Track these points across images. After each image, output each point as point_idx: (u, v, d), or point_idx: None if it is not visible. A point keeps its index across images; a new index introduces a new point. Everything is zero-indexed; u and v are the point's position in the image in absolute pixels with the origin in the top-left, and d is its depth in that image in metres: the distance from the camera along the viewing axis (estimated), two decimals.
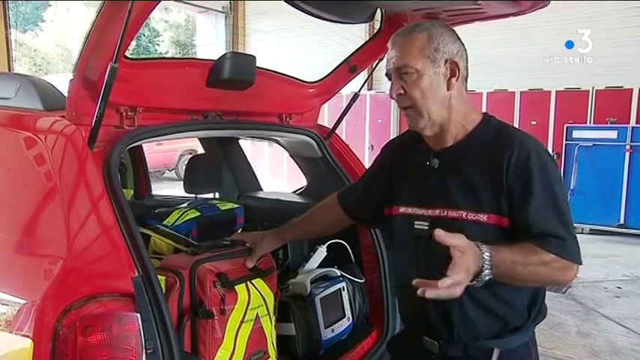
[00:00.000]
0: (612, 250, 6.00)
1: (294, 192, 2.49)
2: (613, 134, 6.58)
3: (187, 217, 1.97)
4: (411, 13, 1.73)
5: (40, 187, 1.31)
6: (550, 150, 7.21)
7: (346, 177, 2.06)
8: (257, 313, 1.53)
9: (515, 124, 7.24)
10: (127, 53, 1.40)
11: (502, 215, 1.18)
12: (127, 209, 1.27)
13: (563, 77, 7.44)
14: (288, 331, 1.72)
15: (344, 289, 1.91)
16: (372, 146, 8.72)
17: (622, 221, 6.57)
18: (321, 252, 1.96)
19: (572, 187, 6.70)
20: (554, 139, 7.28)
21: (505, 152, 1.18)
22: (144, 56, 20.08)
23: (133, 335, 1.12)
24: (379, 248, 1.95)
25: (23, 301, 1.15)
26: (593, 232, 6.65)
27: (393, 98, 1.26)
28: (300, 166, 2.35)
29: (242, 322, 1.48)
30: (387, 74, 1.28)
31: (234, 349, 1.45)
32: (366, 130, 9.01)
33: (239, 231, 2.14)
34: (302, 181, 2.44)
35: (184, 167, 2.24)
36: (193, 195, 2.23)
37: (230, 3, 10.56)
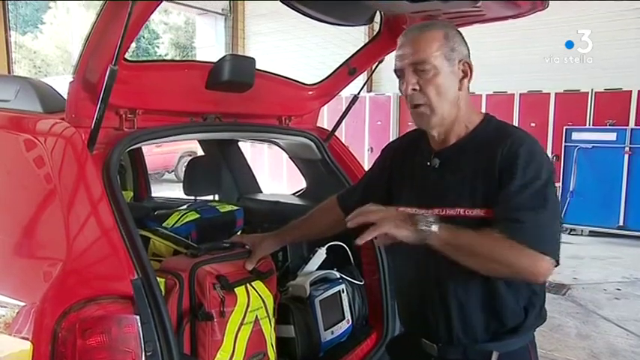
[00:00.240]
0: (611, 252, 6.00)
1: (294, 194, 2.49)
2: (612, 136, 6.58)
3: (187, 219, 1.97)
4: (411, 16, 1.74)
5: (39, 190, 1.31)
6: (549, 152, 7.22)
7: (346, 179, 2.06)
8: (256, 316, 1.52)
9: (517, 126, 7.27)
10: (127, 55, 1.40)
11: None
12: (126, 211, 1.27)
13: (562, 79, 7.45)
14: (287, 333, 1.72)
15: (343, 292, 1.91)
16: (371, 148, 8.72)
17: (621, 223, 6.57)
18: (321, 254, 1.95)
19: (571, 189, 6.70)
20: (554, 141, 7.29)
21: (500, 145, 1.19)
22: (143, 58, 20.10)
23: (133, 337, 1.12)
24: (379, 250, 1.95)
25: (22, 304, 1.14)
26: (592, 233, 6.65)
27: (406, 94, 1.24)
28: (299, 168, 2.35)
29: (241, 324, 1.48)
30: (396, 71, 1.26)
31: (233, 351, 1.45)
32: (365, 132, 9.02)
33: (238, 233, 2.14)
34: (301, 183, 2.45)
35: (184, 169, 2.24)
36: (193, 197, 2.22)
37: (229, 5, 10.57)
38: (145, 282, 1.19)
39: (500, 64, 7.88)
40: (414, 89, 1.22)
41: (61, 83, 1.48)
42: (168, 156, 11.11)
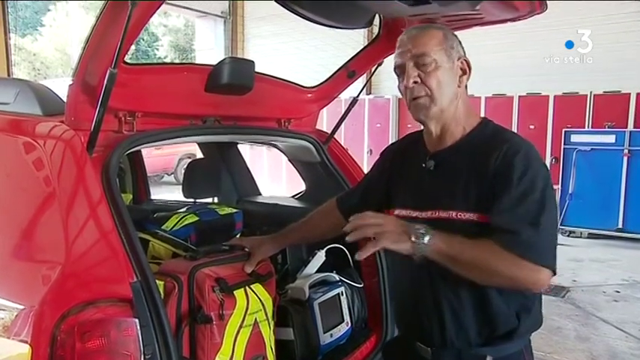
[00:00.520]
0: (611, 254, 6.00)
1: (293, 196, 2.49)
2: (611, 138, 6.59)
3: (186, 222, 1.97)
4: (409, 19, 1.74)
5: (38, 192, 1.31)
6: (548, 154, 7.24)
7: (345, 181, 2.07)
8: (256, 318, 1.52)
9: (514, 129, 7.29)
10: (126, 58, 1.40)
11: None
12: (125, 214, 1.27)
13: (561, 81, 7.47)
14: (286, 335, 1.72)
15: (343, 294, 1.91)
16: (370, 150, 8.73)
17: (620, 225, 6.58)
18: (320, 256, 1.95)
19: (570, 192, 6.71)
20: (553, 143, 7.30)
21: (495, 151, 1.19)
22: (143, 61, 20.12)
23: (132, 341, 1.12)
24: (378, 252, 1.95)
25: (21, 307, 1.14)
26: (591, 236, 6.65)
27: (406, 88, 1.24)
28: (298, 171, 2.35)
29: (240, 327, 1.48)
30: (395, 69, 1.28)
31: (232, 354, 1.45)
32: (364, 135, 9.02)
33: (238, 236, 2.14)
34: (301, 186, 2.45)
35: (183, 172, 2.24)
36: (192, 199, 2.22)
37: (229, 8, 10.59)
38: (144, 285, 1.19)
39: (499, 67, 7.90)
40: (415, 82, 1.23)
41: (61, 86, 1.48)
42: (167, 158, 11.11)
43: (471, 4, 1.51)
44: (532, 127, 7.48)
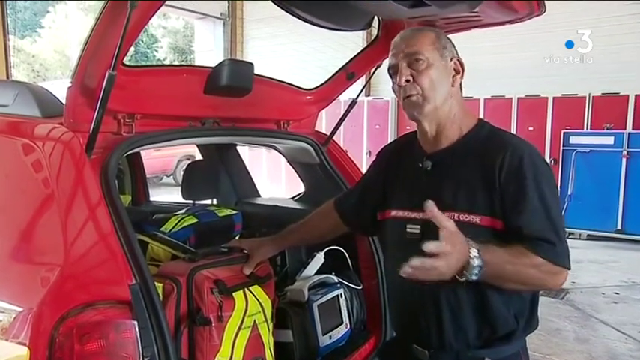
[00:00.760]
0: (609, 256, 6.01)
1: (292, 198, 2.49)
2: (610, 140, 6.60)
3: (185, 224, 1.97)
4: (408, 21, 1.74)
5: (37, 194, 1.31)
6: (547, 156, 7.24)
7: (344, 183, 2.07)
8: (254, 320, 1.52)
9: (513, 130, 7.29)
10: (126, 59, 1.40)
11: (495, 218, 1.18)
12: (124, 216, 1.27)
13: (560, 83, 7.48)
14: (285, 337, 1.72)
15: (342, 296, 1.91)
16: (369, 152, 8.73)
17: (619, 227, 6.58)
18: (319, 258, 1.95)
19: (569, 193, 6.72)
20: (552, 145, 7.30)
21: (498, 155, 1.19)
22: (142, 62, 20.13)
23: (130, 342, 1.12)
24: (377, 254, 1.95)
25: (20, 309, 1.14)
26: (590, 237, 6.66)
27: (399, 86, 1.25)
28: (297, 173, 2.35)
29: (239, 328, 1.48)
30: (389, 69, 1.29)
31: (231, 356, 1.45)
32: (364, 136, 9.03)
33: (237, 237, 2.14)
34: (300, 188, 2.45)
35: (182, 173, 2.24)
36: (191, 201, 2.22)
37: (228, 10, 10.60)
38: (142, 287, 1.19)
39: (498, 69, 7.91)
40: (408, 80, 1.24)
41: (60, 87, 1.48)
42: (166, 160, 11.10)
43: (470, 6, 1.51)
44: (531, 128, 7.48)
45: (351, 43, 6.23)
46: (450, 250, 1.04)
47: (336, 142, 2.24)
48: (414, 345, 1.30)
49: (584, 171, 6.72)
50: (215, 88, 1.68)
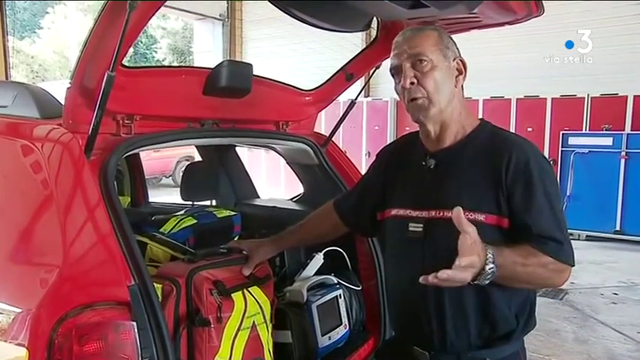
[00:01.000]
0: (608, 257, 6.01)
1: (291, 199, 2.49)
2: (608, 141, 6.61)
3: (184, 225, 1.97)
4: (407, 22, 1.74)
5: (36, 195, 1.31)
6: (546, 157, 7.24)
7: (343, 184, 2.07)
8: (254, 321, 1.52)
9: (512, 131, 7.29)
10: (125, 60, 1.40)
11: (502, 216, 1.19)
12: (123, 217, 1.27)
13: (559, 84, 7.48)
14: (284, 338, 1.72)
15: (341, 297, 1.90)
16: (369, 153, 8.74)
17: (618, 227, 6.59)
18: (318, 259, 1.95)
19: (568, 194, 6.72)
20: (550, 145, 7.31)
21: (504, 155, 1.20)
22: (141, 63, 20.12)
23: (129, 344, 1.12)
24: (376, 255, 1.95)
25: (18, 310, 1.14)
26: (589, 238, 6.67)
27: (403, 89, 1.25)
28: (297, 174, 2.35)
29: (238, 330, 1.47)
30: (391, 70, 1.28)
31: (230, 357, 1.45)
32: (363, 137, 9.03)
33: (236, 238, 2.14)
34: (299, 189, 2.45)
35: (181, 174, 2.24)
36: (190, 202, 2.22)
37: (227, 11, 10.61)
38: (141, 288, 1.19)
39: (497, 69, 7.91)
40: (412, 82, 1.23)
41: (59, 88, 1.48)
42: (165, 161, 11.10)
43: (469, 7, 1.51)
44: (530, 129, 7.49)
45: (350, 44, 6.24)
46: (478, 261, 1.05)
47: (335, 143, 2.24)
48: (415, 347, 1.30)
49: (582, 172, 6.73)
50: (214, 89, 1.68)
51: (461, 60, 1.29)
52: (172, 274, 1.46)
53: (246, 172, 2.78)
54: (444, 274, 1.01)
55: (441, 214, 1.21)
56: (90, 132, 1.29)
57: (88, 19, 19.75)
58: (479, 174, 1.22)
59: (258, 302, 1.55)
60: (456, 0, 1.47)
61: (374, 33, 1.93)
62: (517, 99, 7.76)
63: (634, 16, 7.23)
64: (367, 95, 8.85)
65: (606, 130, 6.88)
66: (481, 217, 1.18)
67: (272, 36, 10.07)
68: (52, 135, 1.37)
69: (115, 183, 1.40)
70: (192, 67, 2.71)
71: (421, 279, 1.04)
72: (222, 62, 1.71)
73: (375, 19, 1.83)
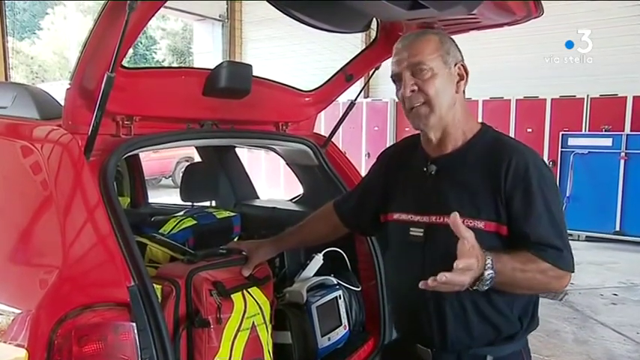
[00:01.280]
0: (608, 257, 6.02)
1: (291, 200, 2.49)
2: (608, 142, 6.61)
3: (184, 226, 1.97)
4: (407, 23, 1.75)
5: (36, 196, 1.31)
6: (546, 157, 7.25)
7: (343, 185, 2.07)
8: (253, 322, 1.52)
9: (511, 132, 7.31)
10: (124, 61, 1.40)
11: (500, 223, 1.19)
12: (123, 218, 1.27)
13: (559, 85, 7.49)
14: (284, 339, 1.72)
15: (340, 298, 1.91)
16: (368, 154, 8.74)
17: (617, 228, 6.59)
18: (318, 260, 1.95)
19: (567, 195, 6.72)
20: (550, 146, 7.31)
21: (503, 161, 1.20)
22: (141, 64, 20.13)
23: (129, 345, 1.12)
24: (376, 256, 1.95)
25: (18, 311, 1.14)
26: (589, 239, 6.67)
27: (404, 97, 1.25)
28: (296, 175, 2.35)
29: (238, 330, 1.48)
30: (392, 77, 1.28)
31: (230, 357, 1.45)
32: (362, 138, 9.03)
33: (235, 239, 2.14)
34: (299, 189, 2.45)
35: (181, 175, 2.24)
36: (190, 203, 2.22)
37: (227, 11, 10.61)
38: (141, 289, 1.19)
39: (496, 70, 7.92)
40: (413, 90, 1.23)
41: (58, 89, 1.48)
42: (165, 161, 11.09)
43: (468, 8, 1.52)
44: (529, 130, 7.50)
45: (350, 44, 6.25)
46: (476, 264, 1.05)
47: (334, 144, 2.24)
48: (418, 345, 1.30)
49: (582, 172, 6.73)
50: (214, 90, 1.68)
51: (462, 65, 1.27)
52: (172, 274, 1.46)
53: (246, 172, 2.78)
54: (442, 276, 1.01)
55: (441, 219, 1.22)
56: (89, 133, 1.30)
57: (87, 20, 19.76)
58: (479, 180, 1.22)
59: (257, 303, 1.55)
60: (455, 0, 1.47)
61: (373, 34, 1.93)
62: (517, 99, 7.76)
63: (634, 17, 7.23)
64: (367, 96, 8.86)
65: (606, 130, 6.89)
66: (480, 224, 1.18)
67: (271, 37, 10.08)
68: (51, 136, 1.37)
69: (115, 184, 1.40)
70: (192, 68, 2.71)
71: (421, 284, 1.04)
72: (221, 63, 1.71)
73: (374, 19, 1.83)
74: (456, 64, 1.26)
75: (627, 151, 6.48)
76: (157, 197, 4.42)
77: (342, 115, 2.14)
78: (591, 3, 7.26)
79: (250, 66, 1.77)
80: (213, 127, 1.77)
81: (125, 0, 1.11)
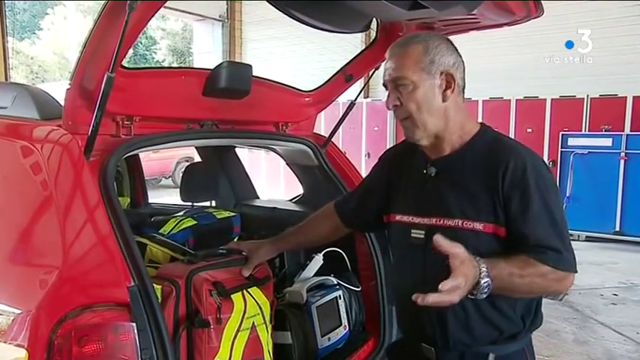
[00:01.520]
0: (608, 257, 6.01)
1: (291, 200, 2.49)
2: (608, 142, 6.61)
3: (184, 226, 1.97)
4: (407, 23, 1.75)
5: (36, 196, 1.31)
6: (546, 157, 7.25)
7: (343, 185, 2.07)
8: (253, 322, 1.52)
9: (511, 132, 7.32)
10: (124, 61, 1.40)
11: (499, 225, 1.18)
12: (122, 218, 1.27)
13: (559, 85, 7.49)
14: (284, 339, 1.72)
15: (340, 298, 1.90)
16: (368, 154, 8.73)
17: (617, 228, 6.59)
18: (318, 260, 1.95)
19: (567, 195, 6.72)
20: (550, 146, 7.31)
21: (501, 162, 1.19)
22: (141, 64, 20.13)
23: (129, 345, 1.12)
24: (376, 256, 1.95)
25: (18, 311, 1.14)
26: (589, 239, 6.66)
27: (389, 109, 1.27)
28: (296, 175, 2.35)
29: (238, 331, 1.48)
30: (384, 84, 1.29)
31: (230, 358, 1.45)
32: (362, 138, 9.03)
33: (235, 239, 2.14)
34: (299, 190, 2.45)
35: (181, 175, 2.25)
36: (190, 203, 2.22)
37: (227, 12, 10.61)
38: (141, 289, 1.19)
39: (496, 70, 7.92)
40: (395, 105, 1.25)
41: (58, 90, 1.48)
42: (165, 162, 11.09)
43: (468, 8, 1.52)
44: (529, 130, 7.50)
45: (350, 45, 6.25)
46: (464, 282, 1.04)
47: (334, 144, 2.24)
48: (422, 343, 1.31)
49: (582, 172, 6.73)
50: (214, 90, 1.68)
51: (449, 73, 1.23)
52: (172, 275, 1.46)
53: (246, 173, 2.78)
54: (429, 297, 1.02)
55: (442, 222, 1.22)
56: (89, 133, 1.30)
57: (87, 20, 19.77)
58: (478, 181, 1.22)
59: (257, 303, 1.55)
60: (455, 1, 1.47)
61: (373, 34, 1.93)
62: (516, 100, 7.76)
63: (634, 17, 7.24)
64: (367, 96, 8.85)
65: (606, 130, 6.89)
66: (479, 226, 1.18)
67: (271, 37, 10.08)
68: (51, 136, 1.37)
69: (115, 184, 1.40)
70: (192, 68, 2.71)
71: (415, 297, 1.04)
72: (221, 63, 1.71)
73: (374, 20, 1.83)
74: (442, 73, 1.23)
75: (627, 151, 6.48)
76: (157, 197, 4.42)
77: (342, 115, 2.14)
78: (591, 3, 7.26)
79: (250, 66, 1.77)
80: (213, 127, 1.77)
81: (125, 0, 1.12)
